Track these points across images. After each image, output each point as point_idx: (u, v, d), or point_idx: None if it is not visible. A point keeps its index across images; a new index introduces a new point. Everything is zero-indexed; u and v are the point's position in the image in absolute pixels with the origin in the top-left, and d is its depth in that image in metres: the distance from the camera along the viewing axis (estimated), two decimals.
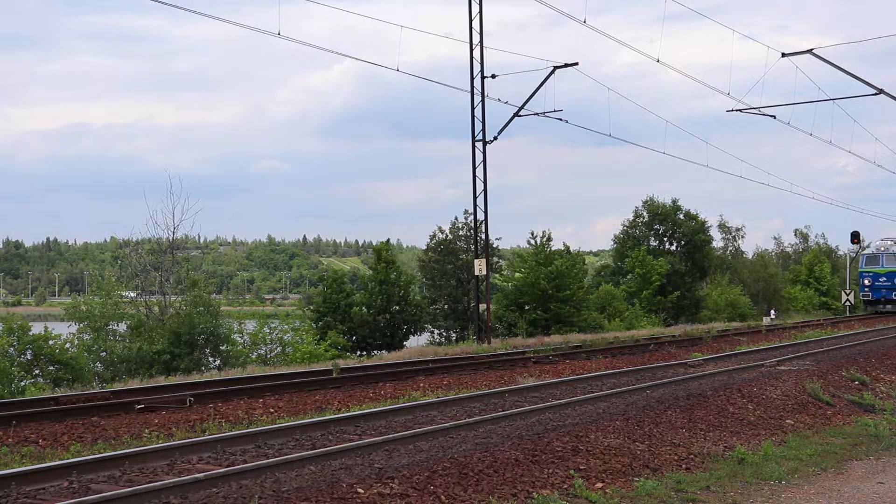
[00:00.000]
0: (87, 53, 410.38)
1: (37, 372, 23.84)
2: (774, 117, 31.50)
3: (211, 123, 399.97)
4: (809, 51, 27.28)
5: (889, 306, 50.00)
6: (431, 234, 45.14)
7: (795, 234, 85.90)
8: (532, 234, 44.39)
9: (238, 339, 29.42)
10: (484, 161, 28.40)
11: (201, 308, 28.01)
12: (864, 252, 53.41)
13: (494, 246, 42.03)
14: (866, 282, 50.75)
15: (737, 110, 31.44)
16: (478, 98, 28.24)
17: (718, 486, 9.64)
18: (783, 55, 27.84)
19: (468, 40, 28.21)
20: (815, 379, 17.04)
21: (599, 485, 9.30)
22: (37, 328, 25.42)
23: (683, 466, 10.46)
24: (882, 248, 51.01)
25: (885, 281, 50.08)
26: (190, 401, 14.14)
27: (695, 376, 17.07)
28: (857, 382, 18.06)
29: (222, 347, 28.02)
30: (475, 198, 28.68)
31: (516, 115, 29.30)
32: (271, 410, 13.71)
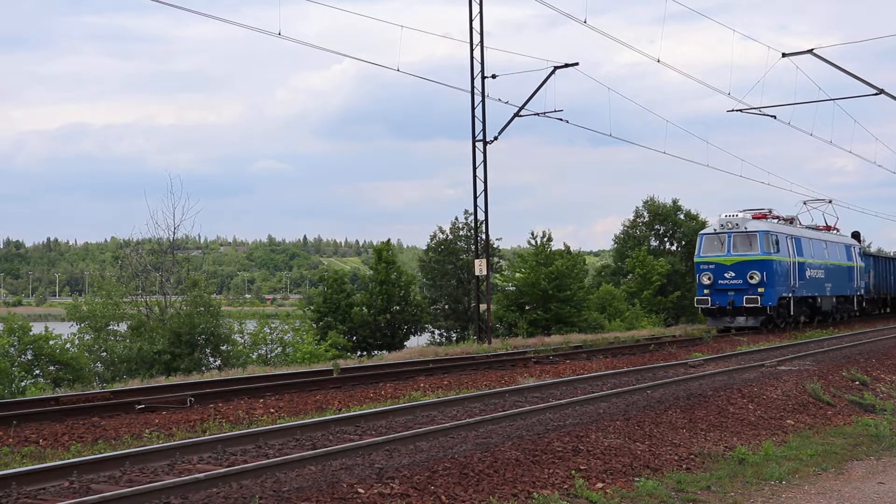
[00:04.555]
0: (86, 54, 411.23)
1: (37, 372, 23.88)
2: (775, 117, 31.50)
3: (210, 123, 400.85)
4: (810, 51, 27.27)
5: (741, 319, 31.51)
6: (432, 234, 45.21)
7: None
8: (532, 234, 44.41)
9: (238, 339, 29.47)
10: (484, 161, 28.41)
11: (202, 308, 28.06)
12: (703, 232, 33.91)
13: (495, 246, 42.02)
14: (705, 279, 32.20)
15: (737, 110, 31.42)
16: (478, 98, 28.26)
17: (719, 487, 9.64)
18: (783, 55, 27.83)
19: (468, 40, 28.23)
20: (815, 379, 17.03)
21: (600, 485, 9.30)
22: (37, 328, 25.46)
23: (684, 466, 10.46)
24: (729, 225, 32.28)
25: (732, 278, 31.65)
26: (190, 401, 14.14)
27: (695, 376, 17.07)
28: (857, 382, 18.06)
29: (223, 347, 28.06)
30: (475, 198, 28.68)
31: (517, 115, 29.31)
32: (272, 410, 13.71)
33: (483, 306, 29.57)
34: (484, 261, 28.52)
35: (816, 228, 39.97)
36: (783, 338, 29.12)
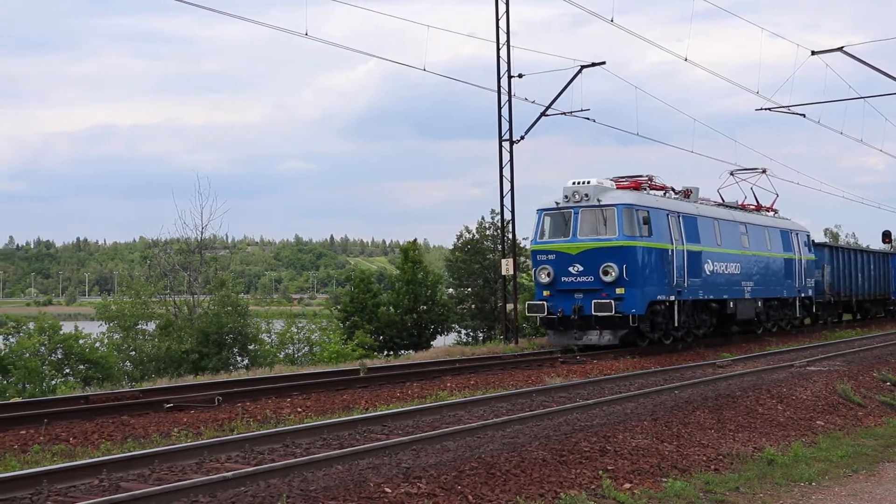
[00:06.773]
0: (113, 55, 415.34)
1: (67, 371, 24.15)
2: (804, 116, 31.17)
3: (237, 124, 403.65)
4: (840, 49, 26.99)
5: (593, 334, 22.18)
6: (458, 233, 45.25)
7: (825, 234, 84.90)
8: None
9: (266, 338, 29.67)
10: (511, 160, 28.34)
11: (229, 308, 28.26)
12: (542, 207, 23.61)
13: (522, 245, 41.90)
14: (543, 276, 22.78)
15: (766, 109, 31.11)
16: (505, 97, 28.20)
17: (748, 488, 9.56)
18: (813, 53, 27.56)
19: (495, 40, 28.18)
20: (845, 379, 16.87)
21: (627, 485, 9.25)
22: (67, 328, 25.73)
23: (712, 467, 10.39)
24: (576, 197, 22.59)
25: (580, 273, 22.25)
26: (218, 400, 14.22)
27: (723, 377, 16.96)
28: (888, 383, 17.87)
29: (250, 347, 28.26)
30: (502, 197, 28.61)
31: (543, 114, 29.19)
32: (299, 410, 13.76)
33: (510, 306, 29.50)
34: (511, 260, 28.44)
35: (742, 207, 29.99)
36: (812, 338, 28.85)
